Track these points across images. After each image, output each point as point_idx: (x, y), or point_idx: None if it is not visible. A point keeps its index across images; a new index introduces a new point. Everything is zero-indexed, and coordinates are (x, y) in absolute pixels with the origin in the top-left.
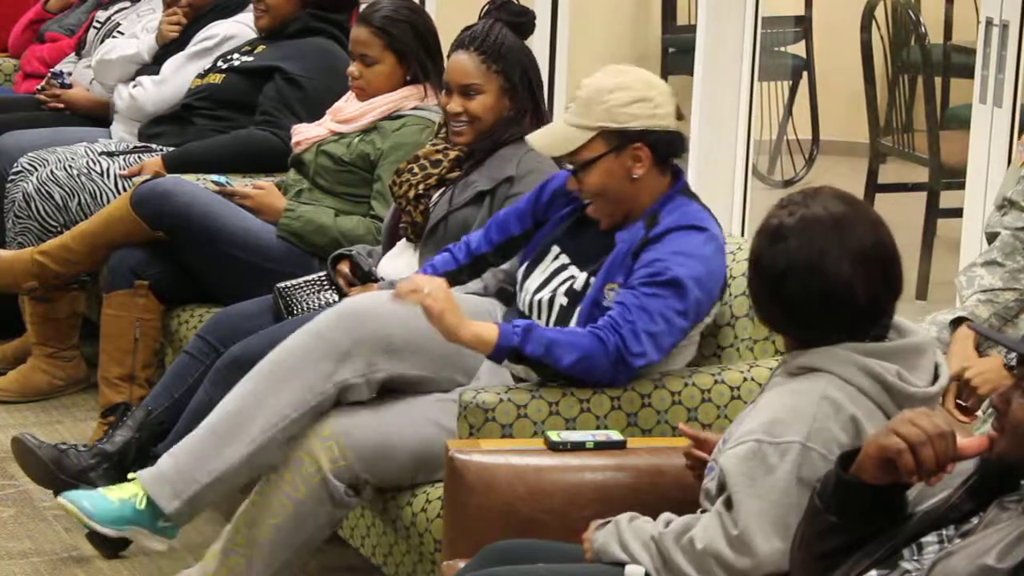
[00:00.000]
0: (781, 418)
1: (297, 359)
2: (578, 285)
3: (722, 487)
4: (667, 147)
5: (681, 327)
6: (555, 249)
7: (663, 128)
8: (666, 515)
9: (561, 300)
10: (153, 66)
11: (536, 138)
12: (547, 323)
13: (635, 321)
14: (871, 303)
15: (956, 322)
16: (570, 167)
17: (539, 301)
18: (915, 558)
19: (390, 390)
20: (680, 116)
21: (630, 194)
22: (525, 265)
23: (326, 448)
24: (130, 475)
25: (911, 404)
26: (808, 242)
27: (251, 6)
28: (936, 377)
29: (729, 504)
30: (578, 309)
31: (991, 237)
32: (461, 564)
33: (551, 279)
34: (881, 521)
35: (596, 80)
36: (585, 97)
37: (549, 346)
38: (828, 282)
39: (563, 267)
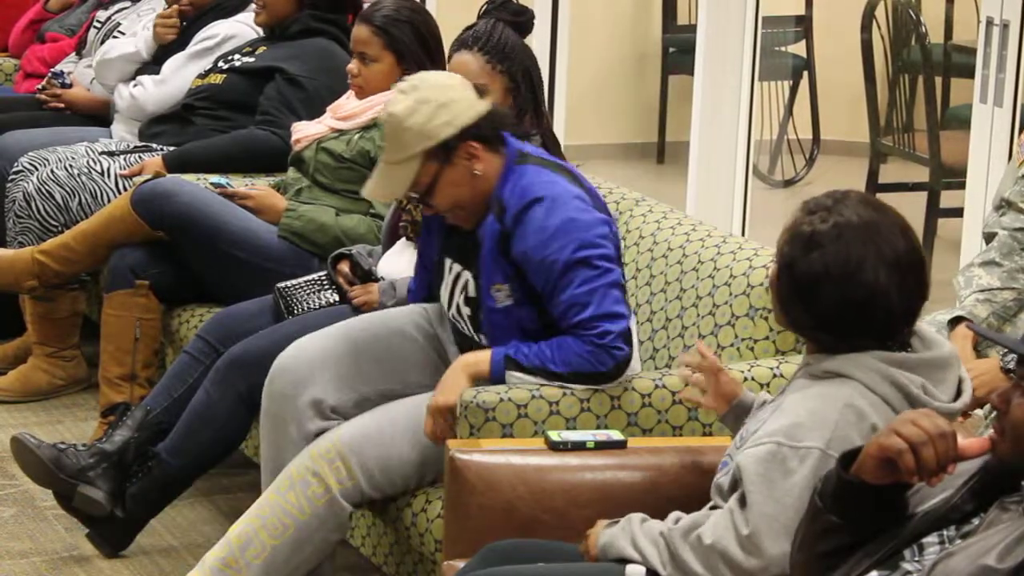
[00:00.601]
0: (803, 422)
1: (271, 449)
2: (471, 291)
3: (735, 484)
4: (491, 128)
5: (613, 281)
6: (447, 261)
7: (477, 117)
8: (675, 513)
9: (465, 310)
10: (154, 65)
11: (372, 190)
12: (468, 332)
13: (578, 319)
14: (905, 310)
15: (954, 322)
16: (415, 197)
17: (453, 316)
18: (916, 559)
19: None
20: (482, 94)
21: (481, 189)
22: (434, 286)
23: (333, 469)
24: None
25: None
26: (845, 249)
27: (251, 5)
28: (959, 392)
29: (742, 502)
30: (482, 319)
31: (989, 237)
32: (461, 564)
33: (453, 291)
34: (882, 521)
35: (392, 111)
36: (392, 131)
37: (538, 352)
38: (866, 290)
39: (458, 275)
